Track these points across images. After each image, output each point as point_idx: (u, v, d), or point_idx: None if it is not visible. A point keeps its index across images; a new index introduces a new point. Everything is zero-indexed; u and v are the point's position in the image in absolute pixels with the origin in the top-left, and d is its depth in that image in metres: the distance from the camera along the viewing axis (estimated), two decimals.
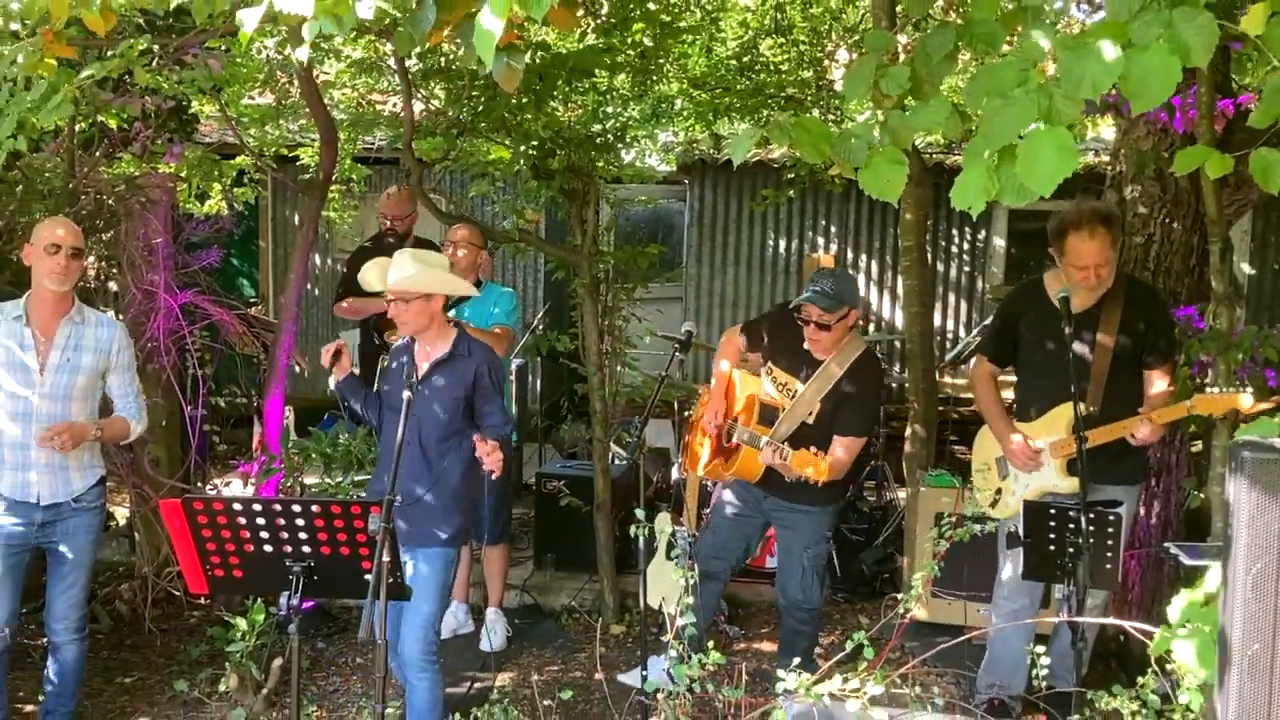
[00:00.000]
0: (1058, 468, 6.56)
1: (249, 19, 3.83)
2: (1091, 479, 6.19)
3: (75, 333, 6.48)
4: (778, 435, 6.89)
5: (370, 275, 6.42)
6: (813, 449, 6.63)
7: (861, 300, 7.54)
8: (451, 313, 7.92)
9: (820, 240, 16.12)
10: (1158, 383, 6.60)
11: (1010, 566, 6.78)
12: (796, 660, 6.18)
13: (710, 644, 5.13)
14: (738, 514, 7.38)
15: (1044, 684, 4.90)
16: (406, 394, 5.53)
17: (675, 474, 10.10)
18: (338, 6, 3.73)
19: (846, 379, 6.96)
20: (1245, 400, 6.02)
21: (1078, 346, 6.48)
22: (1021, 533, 5.88)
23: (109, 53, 6.37)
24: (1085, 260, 6.30)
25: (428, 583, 6.27)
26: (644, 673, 6.36)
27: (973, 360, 7.24)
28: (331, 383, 6.54)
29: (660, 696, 5.79)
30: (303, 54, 3.77)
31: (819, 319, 6.80)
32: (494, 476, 6.24)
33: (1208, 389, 6.41)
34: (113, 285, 9.02)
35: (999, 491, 6.79)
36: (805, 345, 7.00)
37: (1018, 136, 3.33)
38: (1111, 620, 5.44)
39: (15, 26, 5.20)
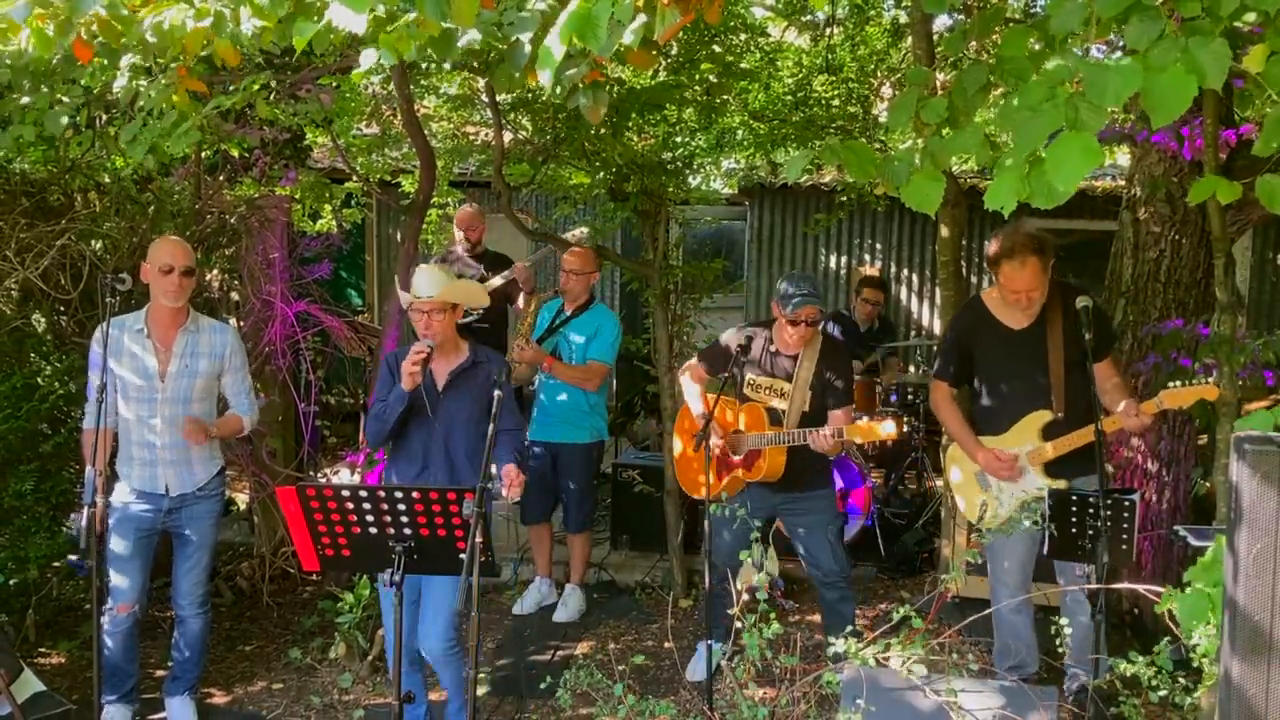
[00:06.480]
0: (1038, 472, 6.45)
1: (366, 59, 3.90)
2: (1066, 476, 6.33)
3: (191, 341, 6.57)
4: (790, 426, 6.93)
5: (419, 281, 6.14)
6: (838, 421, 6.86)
7: None
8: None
9: (867, 256, 16.07)
10: (1108, 375, 6.48)
11: (1002, 571, 6.69)
12: (849, 628, 6.22)
13: (772, 615, 5.14)
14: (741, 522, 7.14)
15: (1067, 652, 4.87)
16: (497, 393, 5.47)
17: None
18: (400, 43, 3.79)
19: (823, 364, 7.00)
20: (1158, 397, 6.03)
21: (1032, 360, 6.47)
22: (1047, 518, 5.85)
23: (233, 87, 6.43)
24: (1018, 286, 6.27)
25: (445, 585, 5.99)
26: (710, 642, 6.38)
27: (931, 385, 7.07)
28: (406, 381, 6.04)
29: (725, 663, 5.82)
30: (365, 65, 3.88)
31: (811, 317, 6.84)
32: (507, 496, 5.96)
33: (1187, 382, 6.28)
34: (234, 295, 9.10)
35: (984, 505, 6.70)
36: (774, 350, 7.06)
37: (1045, 143, 3.33)
38: (1125, 585, 5.41)
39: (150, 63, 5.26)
